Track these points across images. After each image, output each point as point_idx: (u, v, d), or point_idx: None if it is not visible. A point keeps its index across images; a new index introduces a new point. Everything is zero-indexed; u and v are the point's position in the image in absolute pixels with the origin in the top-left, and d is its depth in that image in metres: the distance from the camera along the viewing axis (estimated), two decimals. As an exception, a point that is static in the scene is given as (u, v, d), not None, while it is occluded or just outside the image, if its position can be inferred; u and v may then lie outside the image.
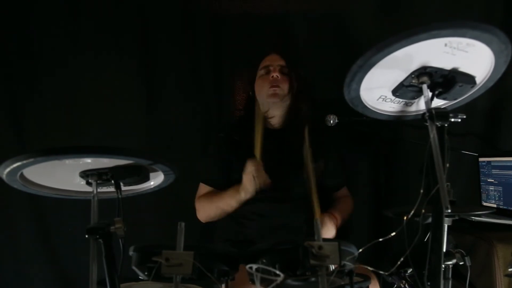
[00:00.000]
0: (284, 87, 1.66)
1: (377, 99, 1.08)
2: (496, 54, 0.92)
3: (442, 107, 1.04)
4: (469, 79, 0.98)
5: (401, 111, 1.13)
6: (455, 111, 0.97)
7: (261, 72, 1.70)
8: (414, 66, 0.95)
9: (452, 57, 0.92)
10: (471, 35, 0.87)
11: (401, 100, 1.08)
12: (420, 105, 1.09)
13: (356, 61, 0.92)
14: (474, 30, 0.86)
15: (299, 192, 1.65)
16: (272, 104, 1.68)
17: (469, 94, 1.05)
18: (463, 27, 0.85)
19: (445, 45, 0.89)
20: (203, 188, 1.71)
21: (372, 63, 0.91)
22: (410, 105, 1.10)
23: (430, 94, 0.97)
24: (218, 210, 1.62)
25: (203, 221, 1.69)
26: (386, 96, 1.07)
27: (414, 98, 1.06)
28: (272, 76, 1.66)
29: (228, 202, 1.57)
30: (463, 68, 0.96)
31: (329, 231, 1.57)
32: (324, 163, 1.71)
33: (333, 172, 1.76)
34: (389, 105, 1.11)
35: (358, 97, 1.05)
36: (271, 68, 1.68)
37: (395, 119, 1.16)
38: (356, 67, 0.93)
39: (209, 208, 1.64)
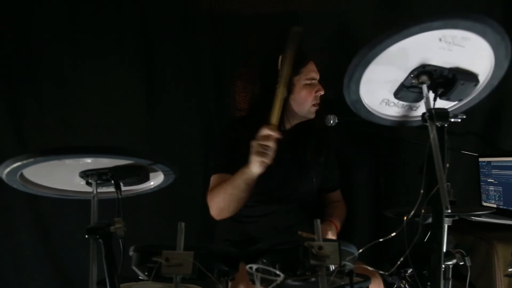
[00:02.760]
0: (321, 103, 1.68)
1: (380, 103, 1.07)
2: (494, 47, 0.90)
3: (450, 109, 1.04)
4: (471, 77, 0.97)
5: (406, 116, 1.12)
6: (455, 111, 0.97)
7: (306, 81, 1.67)
8: (413, 64, 0.95)
9: (450, 53, 0.91)
10: (463, 26, 0.85)
11: (404, 103, 1.06)
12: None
13: (352, 60, 0.92)
14: (466, 20, 0.85)
15: (301, 193, 1.65)
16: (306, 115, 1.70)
17: (475, 94, 1.04)
18: (453, 17, 0.84)
19: (440, 39, 0.88)
20: (214, 180, 1.64)
21: (367, 61, 0.91)
22: (415, 109, 1.09)
23: (432, 94, 0.96)
24: (227, 197, 1.51)
25: (216, 217, 1.59)
26: (388, 100, 1.05)
27: (417, 101, 1.05)
28: (318, 93, 1.66)
29: (236, 184, 1.46)
30: (464, 65, 0.95)
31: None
32: (326, 163, 1.72)
33: (330, 173, 1.77)
34: (393, 109, 1.09)
35: (359, 100, 1.03)
36: (314, 82, 1.68)
37: (400, 125, 1.14)
38: (353, 66, 0.93)
39: (219, 198, 1.53)
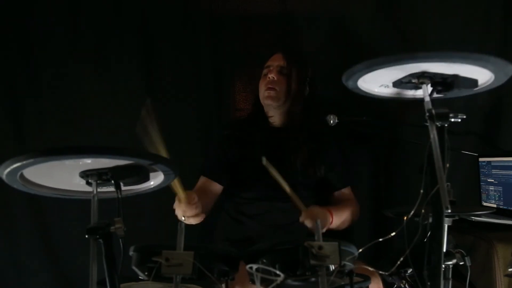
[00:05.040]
0: (280, 89, 1.64)
1: (379, 87, 1.09)
2: (495, 72, 0.92)
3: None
4: (470, 83, 0.98)
5: (402, 93, 1.13)
6: (455, 111, 0.97)
7: (263, 71, 1.71)
8: (414, 70, 0.95)
9: (449, 67, 0.92)
10: (461, 61, 0.87)
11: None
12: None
13: (349, 67, 0.93)
14: (464, 60, 0.86)
15: (300, 191, 1.65)
16: (268, 106, 1.69)
17: (472, 93, 1.05)
18: (452, 57, 0.86)
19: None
20: (199, 182, 1.69)
21: (363, 73, 0.94)
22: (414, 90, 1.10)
23: (430, 89, 0.97)
24: None
25: None
26: (388, 85, 1.07)
27: (415, 89, 1.05)
28: (269, 77, 1.65)
29: None
30: (463, 74, 0.96)
31: (325, 219, 1.50)
32: (325, 163, 1.71)
33: (334, 170, 1.74)
34: (391, 90, 1.11)
35: (357, 87, 1.06)
36: (271, 68, 1.68)
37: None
38: (350, 73, 0.95)
39: None
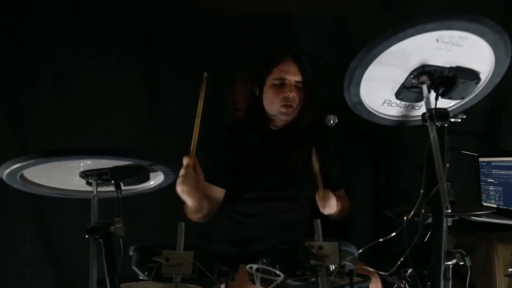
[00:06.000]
0: (297, 104, 1.64)
1: (382, 104, 1.07)
2: (493, 46, 0.90)
3: (452, 107, 1.05)
4: (472, 75, 0.96)
5: (407, 116, 1.12)
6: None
7: (275, 81, 1.65)
8: (413, 64, 0.95)
9: (449, 52, 0.91)
10: (459, 26, 0.85)
11: (406, 103, 1.06)
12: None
13: (350, 64, 0.92)
14: (461, 21, 0.84)
15: (299, 191, 1.65)
16: (282, 121, 1.69)
17: (477, 92, 1.04)
18: (448, 19, 0.84)
19: (437, 40, 0.88)
20: None
21: (365, 64, 0.91)
22: (418, 109, 1.09)
23: (433, 94, 0.96)
24: (188, 209, 1.53)
25: (196, 221, 1.62)
26: (390, 101, 1.06)
27: (418, 100, 1.04)
28: (288, 95, 1.62)
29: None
30: (464, 64, 0.95)
31: (333, 206, 1.51)
32: (324, 163, 1.71)
33: (331, 171, 1.75)
34: (395, 110, 1.09)
35: (361, 102, 1.04)
36: (287, 82, 1.63)
37: (402, 125, 1.14)
38: (351, 70, 0.93)
39: (186, 209, 1.56)
